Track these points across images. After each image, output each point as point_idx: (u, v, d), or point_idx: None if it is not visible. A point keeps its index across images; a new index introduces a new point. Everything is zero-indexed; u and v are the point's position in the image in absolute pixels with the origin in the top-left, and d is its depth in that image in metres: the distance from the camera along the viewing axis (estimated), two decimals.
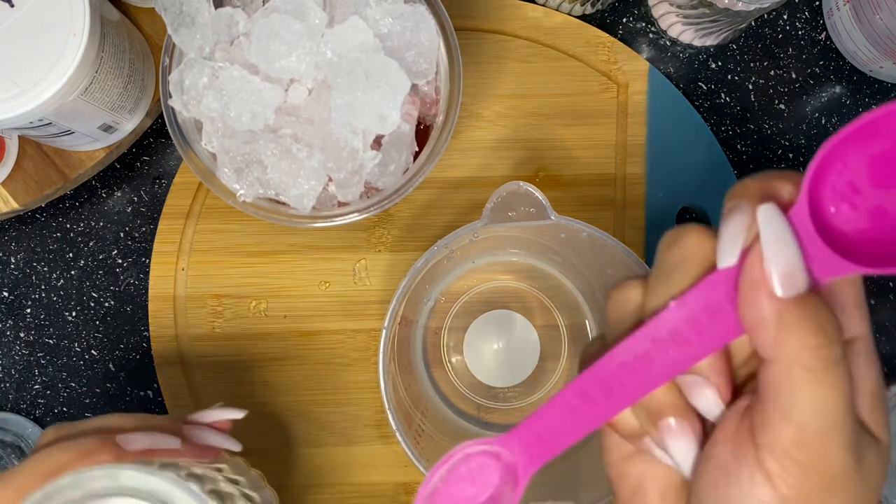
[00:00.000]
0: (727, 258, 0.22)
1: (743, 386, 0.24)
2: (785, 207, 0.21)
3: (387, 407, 0.38)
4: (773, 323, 0.21)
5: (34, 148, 0.46)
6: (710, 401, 0.23)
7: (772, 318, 0.21)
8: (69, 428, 0.33)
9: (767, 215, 0.21)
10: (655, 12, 0.50)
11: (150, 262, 0.47)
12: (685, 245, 0.23)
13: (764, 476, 0.21)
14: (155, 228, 0.47)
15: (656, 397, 0.23)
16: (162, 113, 0.39)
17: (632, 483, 0.26)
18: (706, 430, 0.24)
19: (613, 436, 0.26)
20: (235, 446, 0.36)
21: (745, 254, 0.21)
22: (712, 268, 0.22)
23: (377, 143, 0.39)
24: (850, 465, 0.21)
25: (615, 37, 0.49)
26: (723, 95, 0.50)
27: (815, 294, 0.21)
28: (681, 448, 0.24)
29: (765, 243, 0.21)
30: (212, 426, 0.36)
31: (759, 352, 0.21)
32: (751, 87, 0.50)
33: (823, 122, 0.50)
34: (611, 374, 0.23)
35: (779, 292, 0.20)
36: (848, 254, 0.21)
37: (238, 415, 0.36)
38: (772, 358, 0.21)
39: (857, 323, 0.22)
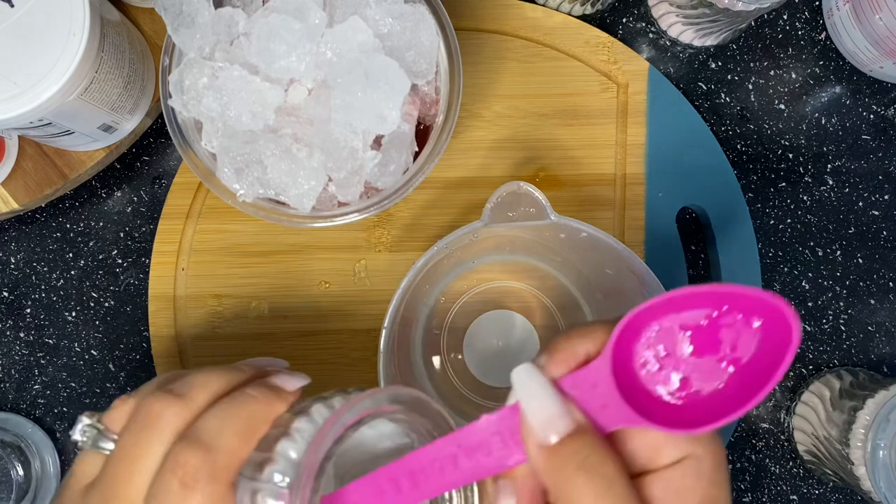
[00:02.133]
0: (510, 400, 0.25)
1: None
2: (594, 356, 0.24)
3: None
4: (545, 468, 0.23)
5: (34, 148, 0.46)
6: None
7: (542, 464, 0.23)
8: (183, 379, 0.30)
9: (519, 376, 0.24)
10: (655, 12, 0.50)
11: (150, 262, 0.47)
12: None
13: None
14: (155, 228, 0.47)
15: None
16: (162, 113, 0.39)
17: None
18: None
19: None
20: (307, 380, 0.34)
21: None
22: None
23: (377, 143, 0.39)
24: None
25: (615, 37, 0.49)
26: (723, 95, 0.50)
27: (584, 436, 0.23)
28: None
29: (520, 402, 0.24)
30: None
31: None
32: (751, 87, 0.50)
33: (823, 122, 0.50)
34: (420, 467, 0.25)
35: (542, 439, 0.23)
36: (649, 406, 0.23)
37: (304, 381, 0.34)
38: (554, 497, 0.23)
39: (685, 446, 0.24)
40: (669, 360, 0.23)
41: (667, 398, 0.23)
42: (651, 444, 0.24)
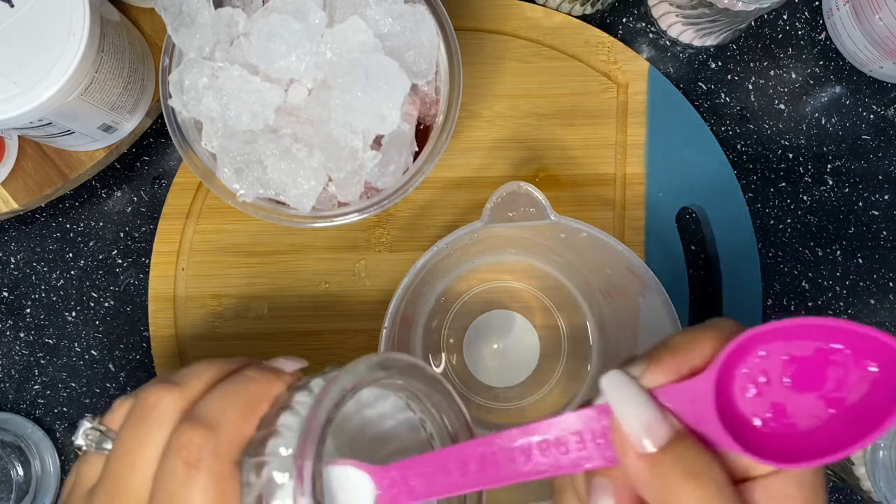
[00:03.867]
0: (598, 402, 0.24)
1: None
2: (699, 370, 0.23)
3: None
4: (647, 478, 0.22)
5: (34, 148, 0.46)
6: None
7: (645, 473, 0.22)
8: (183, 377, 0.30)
9: (610, 383, 0.23)
10: (655, 12, 0.50)
11: (149, 262, 0.47)
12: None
13: None
14: (155, 228, 0.47)
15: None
16: (162, 113, 0.39)
17: None
18: None
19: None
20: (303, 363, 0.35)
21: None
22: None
23: (377, 143, 0.39)
24: None
25: (615, 37, 0.49)
26: (723, 95, 0.50)
27: (685, 441, 0.22)
28: None
29: (613, 408, 0.23)
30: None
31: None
32: (751, 87, 0.50)
33: (823, 122, 0.50)
34: (491, 453, 0.24)
35: (640, 448, 0.22)
36: (744, 429, 0.22)
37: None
38: None
39: None
40: (770, 388, 0.22)
41: (761, 426, 0.22)
42: None
